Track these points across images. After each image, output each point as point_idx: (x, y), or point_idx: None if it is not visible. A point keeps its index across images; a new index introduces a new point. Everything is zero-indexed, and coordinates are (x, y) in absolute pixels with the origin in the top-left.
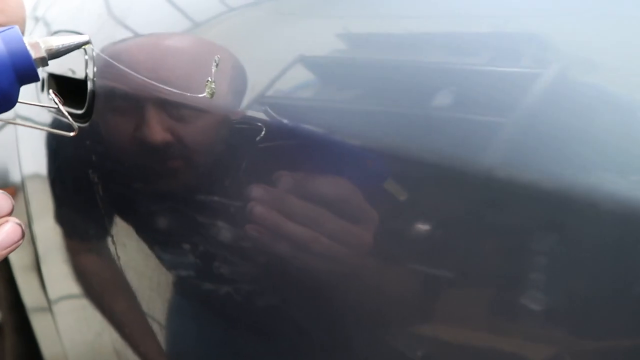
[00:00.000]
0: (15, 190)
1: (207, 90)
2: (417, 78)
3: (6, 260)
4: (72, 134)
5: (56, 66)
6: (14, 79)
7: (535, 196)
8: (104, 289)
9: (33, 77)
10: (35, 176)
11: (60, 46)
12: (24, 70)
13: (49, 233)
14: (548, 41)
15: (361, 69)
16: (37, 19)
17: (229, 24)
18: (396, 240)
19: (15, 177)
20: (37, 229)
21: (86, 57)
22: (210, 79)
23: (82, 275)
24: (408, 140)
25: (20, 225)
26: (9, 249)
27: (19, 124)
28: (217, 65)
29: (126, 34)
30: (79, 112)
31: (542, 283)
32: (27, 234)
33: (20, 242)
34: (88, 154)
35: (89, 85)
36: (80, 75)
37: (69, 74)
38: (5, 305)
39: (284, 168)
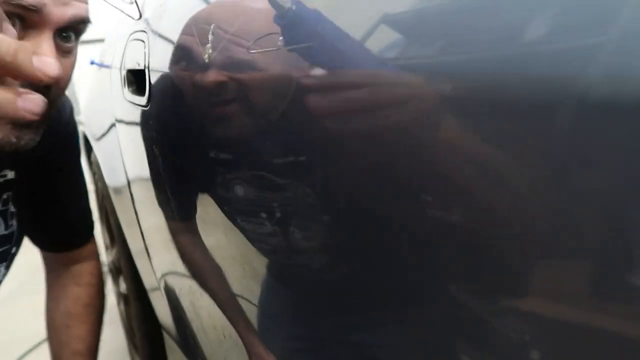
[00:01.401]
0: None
1: (205, 55)
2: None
3: (125, 242)
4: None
5: (130, 62)
6: None
7: None
8: (196, 269)
9: None
10: (138, 178)
11: None
12: None
13: (151, 227)
14: None
15: (441, 17)
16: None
17: None
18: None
19: (122, 179)
20: (143, 224)
21: (145, 49)
22: (208, 45)
23: (182, 258)
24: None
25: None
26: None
27: None
28: (212, 33)
29: None
30: (143, 97)
31: None
32: (137, 228)
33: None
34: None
35: (147, 73)
36: (142, 66)
37: (136, 67)
38: (128, 277)
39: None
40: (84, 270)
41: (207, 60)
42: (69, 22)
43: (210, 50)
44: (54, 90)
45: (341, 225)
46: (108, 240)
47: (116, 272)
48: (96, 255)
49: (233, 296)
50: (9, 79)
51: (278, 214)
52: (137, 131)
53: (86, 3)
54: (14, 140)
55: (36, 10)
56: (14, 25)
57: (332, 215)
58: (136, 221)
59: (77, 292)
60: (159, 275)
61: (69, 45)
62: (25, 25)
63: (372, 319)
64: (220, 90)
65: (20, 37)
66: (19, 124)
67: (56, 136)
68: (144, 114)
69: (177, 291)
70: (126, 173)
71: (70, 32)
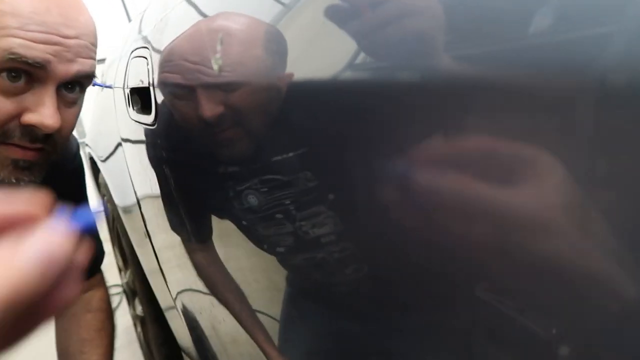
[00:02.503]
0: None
1: (214, 65)
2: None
3: (138, 263)
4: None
5: (133, 80)
6: None
7: None
8: (214, 283)
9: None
10: (147, 196)
11: None
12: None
13: (164, 244)
14: None
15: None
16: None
17: None
18: None
19: (132, 198)
20: (155, 242)
21: (148, 66)
22: (217, 55)
23: (195, 267)
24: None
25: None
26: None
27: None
28: (221, 42)
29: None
30: (149, 115)
31: None
32: (150, 246)
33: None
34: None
35: (151, 90)
36: (145, 84)
37: (140, 84)
38: (144, 300)
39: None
40: (94, 296)
41: (217, 71)
42: (74, 77)
43: (220, 61)
44: (56, 138)
45: (346, 211)
46: (121, 262)
47: (131, 294)
48: (104, 282)
49: (254, 312)
50: (11, 127)
51: (293, 210)
52: (144, 150)
53: (93, 59)
54: (13, 180)
55: (40, 67)
56: (19, 79)
57: (339, 198)
58: (148, 240)
59: (89, 318)
60: (174, 293)
61: (73, 96)
62: (30, 79)
63: (399, 329)
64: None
65: (25, 90)
66: (20, 166)
67: (63, 172)
68: (151, 133)
69: (194, 309)
70: (135, 192)
71: (75, 85)
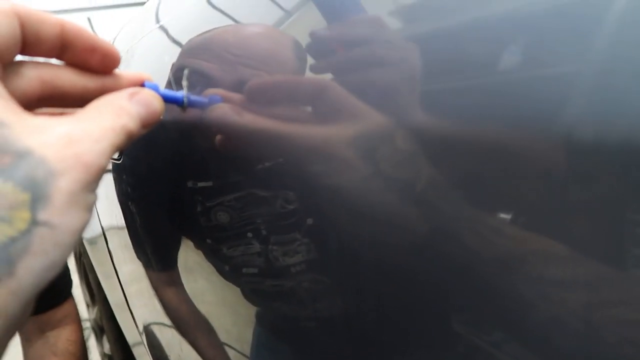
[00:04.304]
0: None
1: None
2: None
3: (105, 299)
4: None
5: None
6: None
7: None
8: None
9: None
10: (112, 228)
11: None
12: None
13: (129, 277)
14: None
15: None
16: None
17: None
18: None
19: (97, 229)
20: (121, 275)
21: None
22: (183, 92)
23: (163, 307)
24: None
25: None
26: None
27: None
28: (187, 77)
29: None
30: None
31: None
32: (116, 279)
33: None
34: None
35: None
36: None
37: None
38: (112, 339)
39: None
40: (61, 336)
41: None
42: None
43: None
44: None
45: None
46: (89, 298)
47: (99, 331)
48: (74, 318)
49: (224, 351)
50: None
51: (264, 231)
52: (109, 181)
53: None
54: None
55: None
56: None
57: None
58: (114, 271)
59: None
60: (141, 327)
61: None
62: None
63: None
64: None
65: None
66: None
67: None
68: (116, 168)
69: (162, 344)
70: (101, 224)
71: None
